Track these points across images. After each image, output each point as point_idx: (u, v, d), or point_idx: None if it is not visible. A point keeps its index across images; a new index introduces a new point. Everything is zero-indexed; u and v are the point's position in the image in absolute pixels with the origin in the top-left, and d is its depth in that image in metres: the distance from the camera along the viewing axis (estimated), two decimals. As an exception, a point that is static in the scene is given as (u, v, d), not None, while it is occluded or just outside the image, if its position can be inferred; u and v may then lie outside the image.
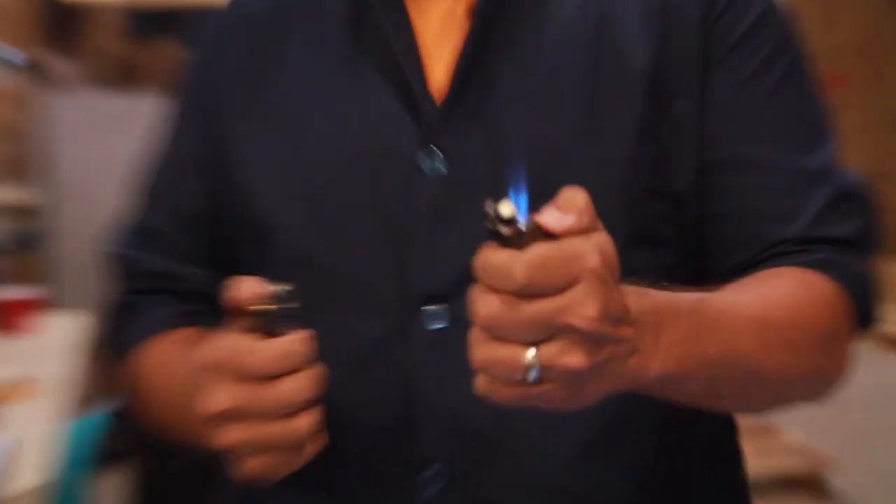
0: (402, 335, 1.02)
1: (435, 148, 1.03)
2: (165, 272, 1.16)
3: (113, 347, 1.18)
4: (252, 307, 0.92)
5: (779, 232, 1.03)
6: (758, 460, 3.49)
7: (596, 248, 0.78)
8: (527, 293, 0.77)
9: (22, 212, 4.07)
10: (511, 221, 0.77)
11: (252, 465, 0.92)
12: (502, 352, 0.78)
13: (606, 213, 0.95)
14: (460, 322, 0.99)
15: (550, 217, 0.78)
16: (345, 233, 1.04)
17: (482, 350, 0.79)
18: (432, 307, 1.02)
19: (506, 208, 0.77)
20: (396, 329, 1.03)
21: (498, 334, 0.78)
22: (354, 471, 1.04)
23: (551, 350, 0.78)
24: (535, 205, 0.96)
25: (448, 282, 1.01)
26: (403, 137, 1.04)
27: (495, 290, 0.78)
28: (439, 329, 1.02)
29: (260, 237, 1.08)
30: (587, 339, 0.78)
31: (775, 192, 1.04)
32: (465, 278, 0.99)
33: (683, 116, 1.03)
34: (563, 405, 0.82)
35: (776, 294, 0.97)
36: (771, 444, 3.75)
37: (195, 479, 2.68)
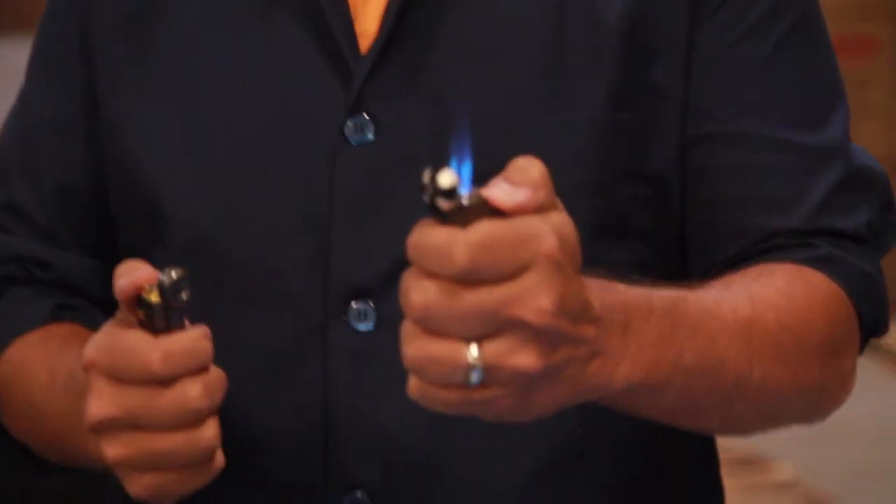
0: (320, 337, 1.01)
1: (362, 113, 1.01)
2: (29, 257, 1.11)
3: None
4: (141, 297, 0.89)
5: (774, 222, 1.02)
6: (742, 498, 3.51)
7: (553, 229, 0.76)
8: (469, 279, 0.74)
9: None
10: (452, 193, 0.74)
11: (145, 484, 0.91)
12: (439, 348, 0.75)
13: (569, 194, 0.92)
14: (390, 323, 0.98)
15: (499, 190, 0.76)
16: (252, 215, 1.03)
17: (415, 346, 0.76)
18: (356, 305, 1.01)
19: (446, 178, 0.74)
20: (313, 330, 1.01)
21: (434, 328, 0.75)
22: (264, 495, 1.04)
23: (497, 347, 0.75)
24: (483, 181, 0.94)
25: (375, 274, 1.00)
26: (324, 100, 1.02)
27: (432, 275, 0.75)
28: (364, 332, 1.01)
29: (150, 218, 1.05)
30: (540, 337, 0.76)
31: (771, 174, 1.02)
32: (397, 270, 0.97)
33: (664, 81, 1.02)
34: (512, 416, 0.79)
35: (767, 294, 0.96)
36: (758, 479, 3.78)
37: (70, 501, 2.66)
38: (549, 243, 0.75)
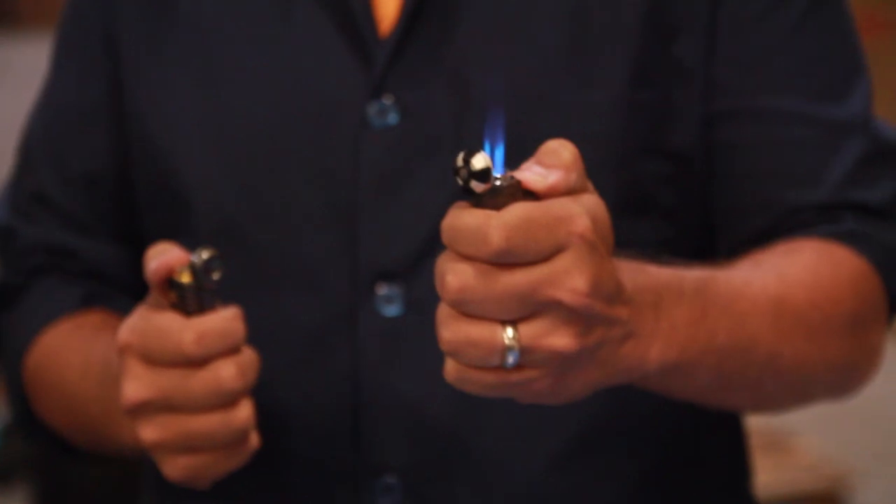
0: (349, 321, 1.01)
1: (386, 96, 1.00)
2: (56, 246, 1.10)
3: (4, 350, 1.13)
4: (172, 278, 0.90)
5: (799, 197, 1.01)
6: (770, 476, 3.50)
7: (585, 210, 0.75)
8: (504, 261, 0.73)
9: None
10: (486, 176, 0.74)
11: (181, 466, 0.91)
12: (475, 331, 0.74)
13: (591, 171, 0.92)
14: (418, 305, 1.00)
15: (532, 173, 0.75)
16: (276, 201, 1.02)
17: (451, 329, 0.75)
18: (384, 288, 1.00)
19: (479, 160, 0.74)
20: (342, 314, 1.01)
21: (470, 310, 0.74)
22: (296, 477, 1.03)
23: (534, 329, 0.75)
24: (506, 159, 0.94)
25: (403, 257, 1.00)
26: (347, 84, 1.01)
27: (467, 257, 0.74)
28: (393, 316, 1.00)
29: (175, 205, 1.05)
30: (575, 318, 0.75)
31: (794, 148, 1.02)
32: (425, 252, 0.99)
33: (686, 59, 1.01)
34: (547, 397, 0.79)
35: (795, 272, 0.96)
36: (783, 459, 3.77)
37: (104, 491, 2.67)
38: (582, 224, 0.74)
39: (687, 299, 0.85)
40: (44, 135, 1.12)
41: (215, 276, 0.89)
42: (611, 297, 0.77)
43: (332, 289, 1.01)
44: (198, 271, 0.89)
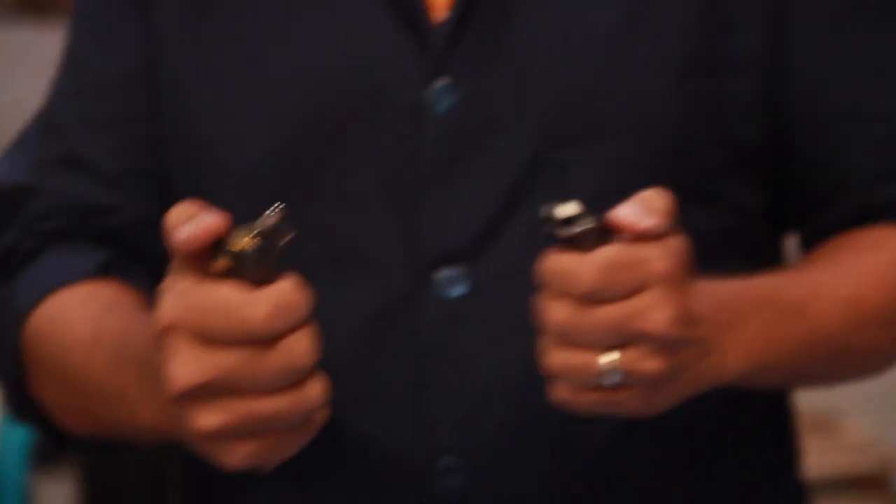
0: (409, 304, 1.00)
1: (443, 79, 1.00)
2: (88, 203, 1.07)
3: (2, 313, 1.06)
4: (226, 244, 0.81)
5: (882, 192, 1.04)
6: (818, 458, 3.49)
7: (668, 250, 0.86)
8: (595, 299, 0.85)
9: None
10: (571, 222, 0.85)
11: (245, 452, 0.84)
12: (578, 358, 0.86)
13: (649, 160, 0.98)
14: (481, 286, 1.00)
15: (628, 216, 0.86)
16: (331, 183, 1.01)
17: (556, 357, 0.87)
18: (446, 271, 1.00)
19: (564, 210, 0.86)
20: (401, 297, 1.00)
21: (571, 340, 0.86)
22: (354, 462, 1.03)
23: (629, 356, 0.86)
24: (561, 146, 0.98)
25: (464, 239, 0.99)
26: (402, 65, 1.00)
27: (563, 295, 0.85)
28: (457, 297, 1.00)
29: (219, 182, 1.03)
30: (662, 345, 0.86)
31: (878, 145, 1.04)
32: (488, 233, 0.99)
33: (746, 49, 1.01)
34: (640, 412, 0.90)
35: (872, 268, 1.00)
36: (833, 439, 3.76)
37: (153, 474, 2.68)
38: (663, 264, 0.86)
39: (762, 310, 0.94)
40: (75, 102, 1.09)
41: (285, 239, 0.81)
42: (692, 322, 0.87)
43: (391, 271, 1.01)
44: (268, 234, 0.81)
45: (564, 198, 0.89)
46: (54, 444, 1.06)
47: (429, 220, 1.00)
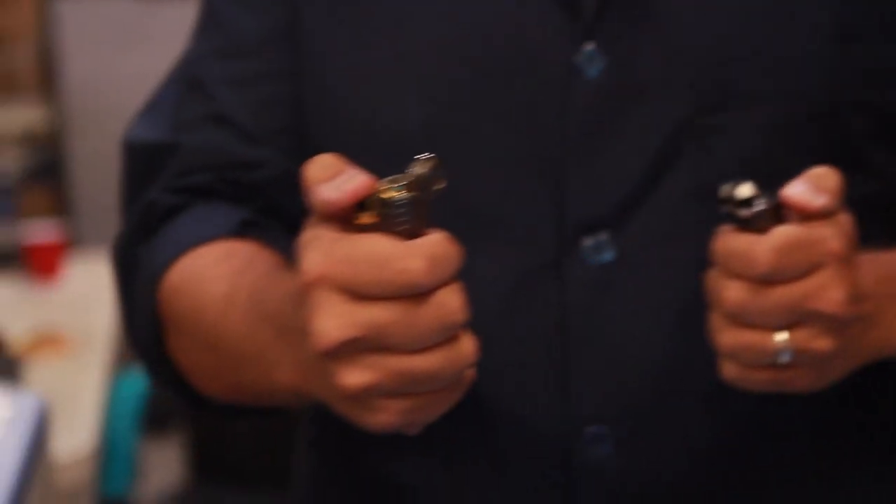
0: (555, 271, 1.00)
1: (593, 44, 0.99)
2: (232, 160, 1.06)
3: (141, 270, 1.04)
4: (378, 194, 0.78)
5: None
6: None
7: (840, 230, 0.87)
8: (770, 280, 0.86)
9: (30, 139, 4.09)
10: (749, 203, 0.87)
11: (394, 411, 0.80)
12: (751, 337, 0.88)
13: (797, 126, 0.97)
14: (627, 254, 1.00)
15: (801, 194, 0.87)
16: (478, 148, 1.01)
17: (729, 336, 0.89)
18: (592, 238, 1.00)
19: (744, 190, 0.87)
20: (547, 264, 1.00)
21: (744, 320, 0.88)
22: (501, 429, 1.03)
23: (802, 335, 0.87)
24: (711, 112, 0.98)
25: (611, 206, 0.99)
26: (551, 32, 1.00)
27: (738, 275, 0.87)
28: (604, 263, 1.00)
29: (360, 146, 1.01)
30: (833, 323, 0.87)
31: None
32: (635, 200, 0.99)
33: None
34: (809, 388, 0.91)
35: None
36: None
37: (260, 438, 2.71)
38: (836, 244, 0.87)
39: None
40: (217, 58, 1.09)
41: (438, 187, 0.78)
42: (859, 299, 0.89)
43: (537, 238, 1.00)
44: (420, 184, 0.78)
45: (712, 165, 0.92)
46: (189, 406, 1.05)
47: (575, 187, 1.00)
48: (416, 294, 0.77)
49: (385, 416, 0.80)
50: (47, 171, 4.05)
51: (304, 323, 0.79)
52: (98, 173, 3.91)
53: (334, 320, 0.77)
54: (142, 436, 2.87)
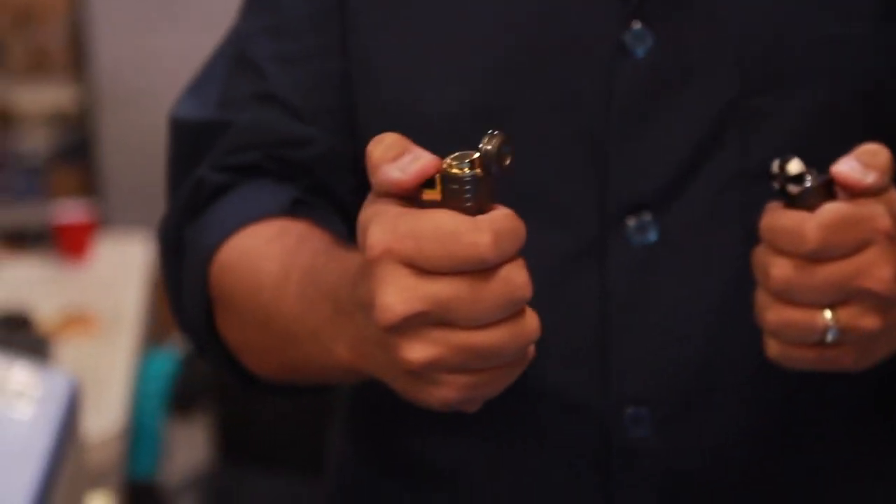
0: (598, 250, 1.00)
1: (640, 24, 0.98)
2: (282, 138, 1.05)
3: (189, 249, 1.04)
4: (447, 171, 0.77)
5: None
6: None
7: (888, 208, 0.86)
8: (818, 257, 0.85)
9: (60, 118, 4.10)
10: (799, 179, 0.87)
11: (457, 387, 0.79)
12: (797, 315, 0.87)
13: (841, 108, 0.95)
14: (670, 235, 0.99)
15: (851, 171, 0.87)
16: (521, 127, 1.00)
17: (775, 313, 0.88)
18: (635, 218, 0.99)
19: (794, 166, 0.86)
20: (590, 243, 1.00)
21: (791, 297, 0.87)
22: (543, 409, 1.02)
23: (848, 313, 0.87)
24: (756, 95, 0.97)
25: (655, 187, 0.99)
26: (598, 11, 0.99)
27: (785, 252, 0.86)
28: (647, 244, 0.99)
29: (408, 128, 0.98)
30: (881, 302, 0.87)
31: None
32: (678, 182, 0.99)
33: None
34: (853, 366, 0.90)
35: None
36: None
37: (287, 420, 2.71)
38: (885, 223, 0.86)
39: None
40: (266, 36, 1.08)
41: (507, 162, 0.78)
42: None
43: (581, 218, 1.00)
44: (491, 159, 0.77)
45: (756, 147, 0.91)
46: (240, 384, 1.05)
47: (620, 167, 0.99)
48: (481, 269, 0.76)
49: (447, 392, 0.79)
50: (77, 151, 4.05)
51: (367, 298, 0.78)
52: (128, 153, 3.92)
53: (400, 294, 0.76)
54: (168, 416, 2.88)
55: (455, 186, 0.77)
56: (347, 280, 0.83)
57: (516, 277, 0.77)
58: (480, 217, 0.76)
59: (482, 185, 0.77)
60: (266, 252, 0.98)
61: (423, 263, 0.76)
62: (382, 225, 0.77)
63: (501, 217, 0.76)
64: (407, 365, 0.78)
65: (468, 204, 0.77)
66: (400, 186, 0.78)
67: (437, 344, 0.77)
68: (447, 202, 0.77)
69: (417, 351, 0.77)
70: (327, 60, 1.06)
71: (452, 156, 0.78)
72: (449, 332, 0.77)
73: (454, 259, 0.75)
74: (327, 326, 0.88)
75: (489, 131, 0.78)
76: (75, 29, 4.08)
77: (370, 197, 0.80)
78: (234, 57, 1.09)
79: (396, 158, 0.78)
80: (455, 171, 0.77)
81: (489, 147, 0.77)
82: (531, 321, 0.78)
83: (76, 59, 4.09)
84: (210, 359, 1.05)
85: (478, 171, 0.77)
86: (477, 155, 0.77)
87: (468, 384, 0.79)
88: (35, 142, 4.05)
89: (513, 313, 0.77)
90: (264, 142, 1.05)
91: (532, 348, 0.80)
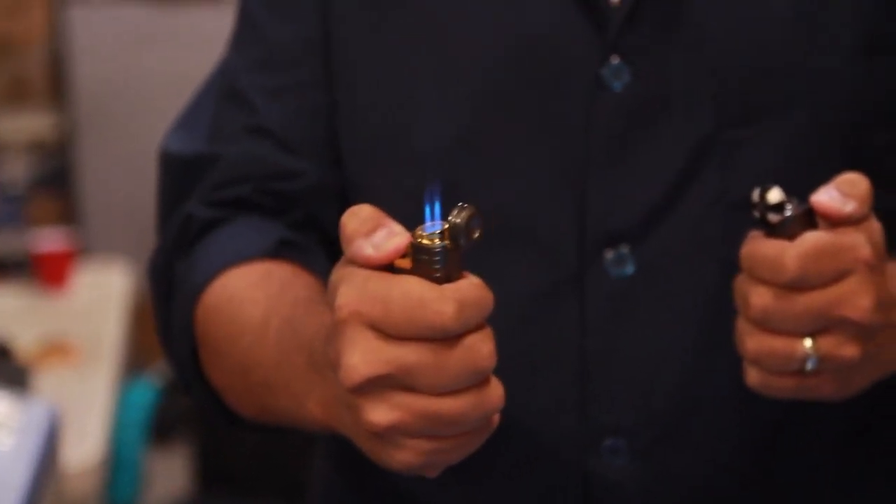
0: (577, 284, 1.00)
1: (619, 58, 0.99)
2: (273, 170, 1.05)
3: (179, 287, 1.05)
4: (420, 242, 0.78)
5: None
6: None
7: (869, 237, 0.87)
8: (798, 286, 0.86)
9: (40, 146, 4.10)
10: (779, 208, 0.87)
11: (416, 452, 0.80)
12: (777, 343, 0.88)
13: (821, 137, 0.96)
14: (648, 268, 0.99)
15: (830, 200, 0.87)
16: (503, 159, 1.01)
17: (755, 341, 0.88)
18: (614, 251, 1.00)
19: (774, 195, 0.87)
20: (569, 277, 1.00)
21: (771, 326, 0.87)
22: (518, 441, 1.03)
23: (828, 342, 0.87)
24: (736, 125, 0.97)
25: (633, 219, 0.99)
26: (577, 45, 1.00)
27: (765, 281, 0.86)
28: (625, 276, 1.00)
29: (394, 158, 1.03)
30: (861, 331, 0.87)
31: None
32: (656, 214, 0.99)
33: None
34: (833, 396, 0.91)
35: None
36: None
37: (266, 450, 2.70)
38: (865, 251, 0.87)
39: None
40: (255, 69, 1.09)
41: (475, 235, 0.78)
42: (887, 307, 0.88)
43: (561, 249, 1.00)
44: (459, 232, 0.78)
45: (734, 179, 0.91)
46: (224, 422, 1.06)
47: (598, 199, 1.00)
48: (445, 337, 0.77)
49: (408, 456, 0.80)
50: (56, 179, 4.04)
51: (334, 357, 0.79)
52: (107, 181, 3.92)
53: (364, 356, 0.77)
54: (148, 445, 2.87)
55: (425, 257, 0.78)
56: (322, 336, 0.84)
57: (481, 347, 0.78)
58: (448, 286, 0.77)
59: (451, 255, 0.78)
60: (249, 296, 0.99)
61: (389, 328, 0.77)
62: (352, 287, 0.78)
63: (468, 286, 0.77)
64: (370, 427, 0.79)
65: (437, 274, 0.78)
66: (371, 264, 0.79)
67: (399, 408, 0.78)
68: (417, 270, 0.78)
69: (380, 414, 0.78)
70: (316, 92, 1.07)
71: (423, 226, 0.79)
72: (412, 397, 0.78)
73: (418, 326, 0.76)
74: (301, 379, 0.89)
75: (459, 203, 0.78)
76: (54, 57, 4.08)
77: (342, 259, 0.81)
78: (222, 90, 1.10)
79: (370, 233, 0.79)
80: (425, 242, 0.78)
81: (458, 220, 0.78)
82: (495, 390, 0.79)
83: (55, 86, 4.09)
84: (195, 396, 1.06)
85: (447, 242, 0.78)
86: (446, 227, 0.78)
87: (430, 450, 0.80)
88: (14, 170, 4.04)
89: (477, 382, 0.78)
90: (254, 174, 1.06)
91: (496, 417, 0.81)
